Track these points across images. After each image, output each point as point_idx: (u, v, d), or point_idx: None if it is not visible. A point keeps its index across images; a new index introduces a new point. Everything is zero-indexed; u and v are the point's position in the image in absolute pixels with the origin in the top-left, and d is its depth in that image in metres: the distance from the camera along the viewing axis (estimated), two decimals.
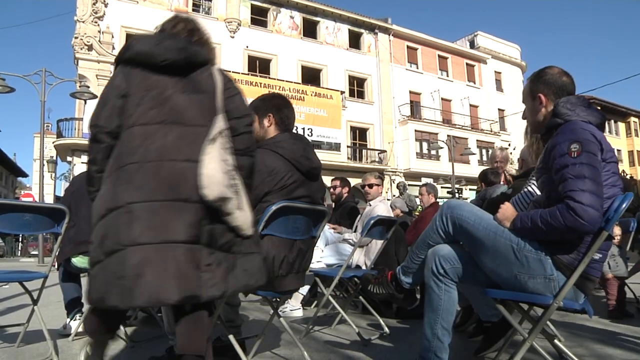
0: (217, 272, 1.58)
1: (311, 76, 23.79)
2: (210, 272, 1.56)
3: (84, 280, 2.43)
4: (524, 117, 2.10)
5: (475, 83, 29.68)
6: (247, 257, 1.67)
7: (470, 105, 28.86)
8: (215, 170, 1.56)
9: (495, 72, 30.87)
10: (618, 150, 35.26)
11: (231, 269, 1.62)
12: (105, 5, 19.54)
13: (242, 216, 1.63)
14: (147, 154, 1.57)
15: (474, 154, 23.58)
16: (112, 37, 19.34)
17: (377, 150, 24.68)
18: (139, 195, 1.53)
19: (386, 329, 3.07)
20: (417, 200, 7.57)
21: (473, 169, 24.26)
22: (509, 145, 25.84)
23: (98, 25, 19.22)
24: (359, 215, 4.35)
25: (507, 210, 1.85)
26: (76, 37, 18.76)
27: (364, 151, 24.63)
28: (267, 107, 2.29)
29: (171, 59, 1.65)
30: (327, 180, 4.95)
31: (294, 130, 2.42)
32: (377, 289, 2.23)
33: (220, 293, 1.57)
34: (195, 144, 1.59)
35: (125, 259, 1.49)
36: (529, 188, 2.35)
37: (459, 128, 27.08)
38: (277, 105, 2.29)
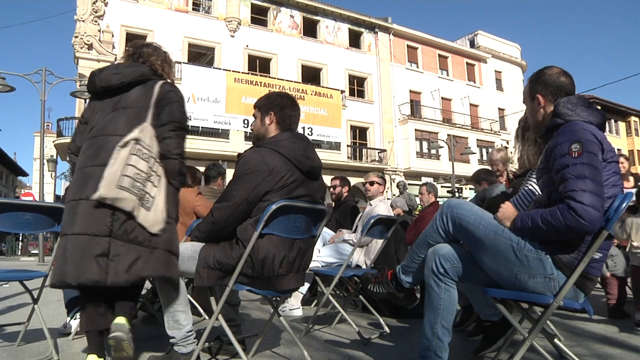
0: (124, 261, 1.84)
1: (311, 75, 23.77)
2: (116, 262, 1.83)
3: None
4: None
5: (475, 82, 29.65)
6: (152, 251, 1.91)
7: (471, 105, 28.83)
8: (113, 171, 1.81)
9: (495, 71, 30.83)
10: (618, 150, 35.16)
11: (136, 259, 1.87)
12: (105, 5, 19.52)
13: (142, 215, 1.88)
14: (80, 163, 1.97)
15: (474, 153, 23.58)
16: (112, 36, 19.33)
17: (377, 149, 24.66)
18: (69, 196, 1.95)
19: (386, 328, 3.07)
20: (417, 200, 7.57)
21: (473, 168, 24.17)
22: (508, 143, 25.84)
23: (98, 24, 19.19)
24: (359, 215, 4.35)
25: (508, 209, 1.85)
26: (76, 36, 18.75)
27: (364, 150, 24.62)
28: (270, 105, 2.29)
29: (106, 85, 2.01)
30: (327, 179, 4.95)
31: None
32: (377, 288, 2.23)
33: (123, 281, 1.83)
34: (108, 151, 1.88)
35: (58, 247, 1.94)
36: (529, 187, 2.35)
37: (459, 127, 27.07)
38: (281, 105, 2.28)
